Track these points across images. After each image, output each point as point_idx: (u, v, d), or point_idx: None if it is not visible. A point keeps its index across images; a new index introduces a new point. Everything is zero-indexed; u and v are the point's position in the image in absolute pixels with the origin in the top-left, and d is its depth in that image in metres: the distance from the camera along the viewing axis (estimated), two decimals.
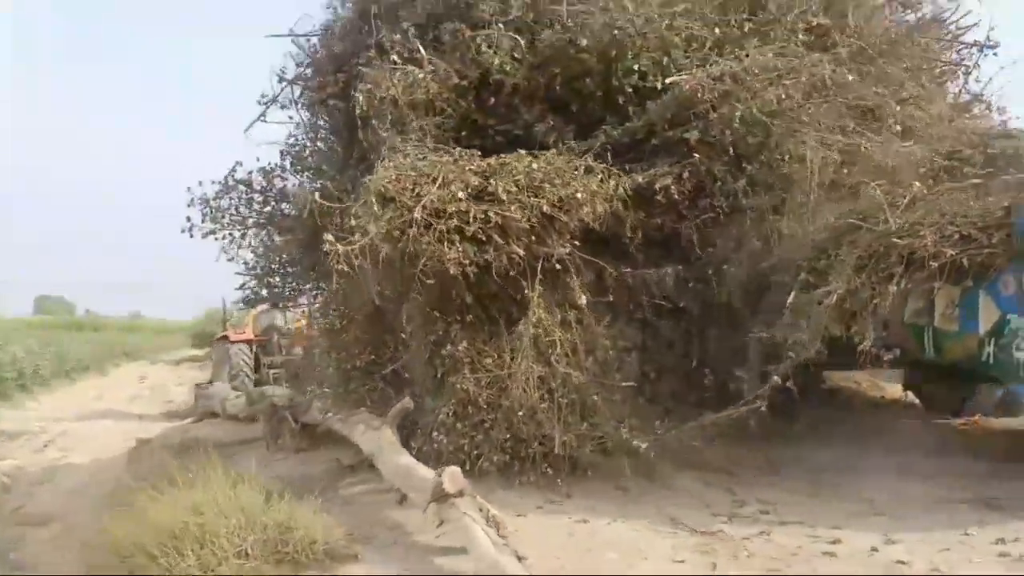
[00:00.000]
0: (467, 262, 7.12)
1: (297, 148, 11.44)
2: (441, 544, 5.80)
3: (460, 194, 7.22)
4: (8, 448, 13.76)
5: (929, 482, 7.50)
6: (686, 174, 8.03)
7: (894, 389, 11.86)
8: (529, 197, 7.39)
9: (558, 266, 7.61)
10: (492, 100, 8.76)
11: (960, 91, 10.98)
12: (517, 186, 7.41)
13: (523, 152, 7.86)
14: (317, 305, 12.39)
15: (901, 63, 9.10)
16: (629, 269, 8.26)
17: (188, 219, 10.82)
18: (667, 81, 8.14)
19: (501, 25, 8.65)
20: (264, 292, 12.33)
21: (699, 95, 7.91)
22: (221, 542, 5.40)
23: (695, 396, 8.16)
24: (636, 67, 8.38)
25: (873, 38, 9.13)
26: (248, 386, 16.42)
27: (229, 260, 11.48)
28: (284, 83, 10.71)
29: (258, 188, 11.36)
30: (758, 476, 7.98)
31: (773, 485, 7.72)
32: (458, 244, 7.11)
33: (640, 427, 7.59)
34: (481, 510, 5.59)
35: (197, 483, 6.24)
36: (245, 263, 11.92)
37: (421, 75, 8.43)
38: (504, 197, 7.30)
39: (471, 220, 7.17)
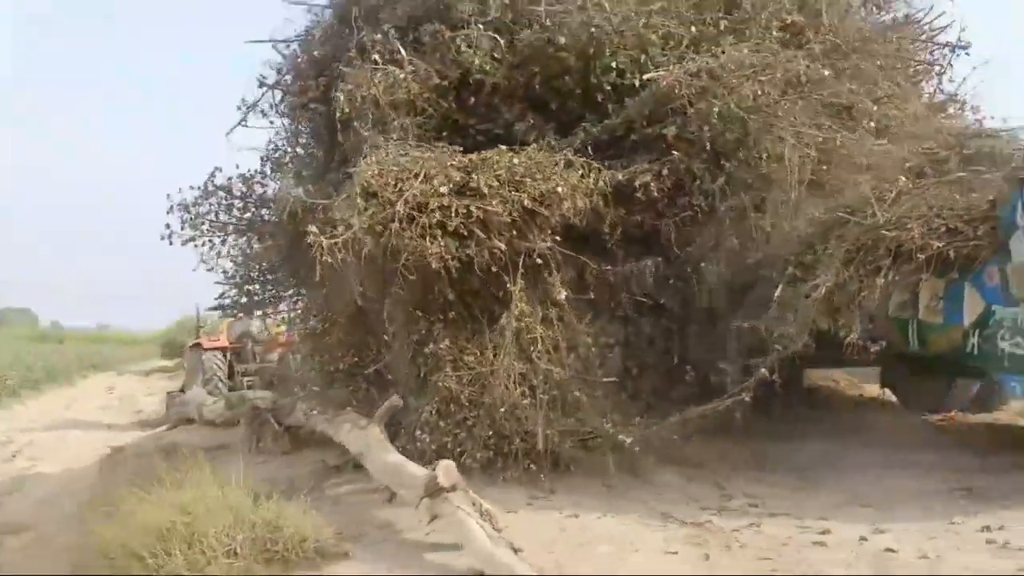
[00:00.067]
0: (449, 256, 7.14)
1: (278, 154, 11.37)
2: (431, 540, 5.74)
3: (442, 189, 7.26)
4: None
5: (912, 475, 7.54)
6: (665, 171, 8.06)
7: (872, 387, 12.02)
8: (511, 192, 7.44)
9: (539, 261, 7.62)
10: (472, 99, 8.80)
11: (935, 91, 11.14)
12: (499, 181, 7.46)
13: (504, 148, 7.88)
14: (298, 311, 12.30)
15: (875, 60, 9.19)
16: (610, 267, 8.26)
17: (167, 226, 10.72)
18: (645, 77, 8.24)
19: (480, 25, 8.69)
20: (244, 300, 12.15)
21: (676, 91, 7.97)
22: (210, 541, 5.29)
23: (677, 392, 8.14)
24: (614, 65, 8.45)
25: (847, 35, 9.24)
26: (223, 391, 16.26)
27: (208, 271, 11.35)
28: (265, 88, 10.67)
29: (238, 194, 11.24)
30: (743, 471, 7.99)
31: (759, 480, 7.73)
32: (440, 238, 7.13)
33: (622, 423, 7.57)
34: (474, 504, 5.53)
35: (184, 483, 6.14)
36: (224, 272, 11.78)
37: (402, 75, 8.47)
38: (486, 191, 7.35)
39: (453, 214, 7.19)
